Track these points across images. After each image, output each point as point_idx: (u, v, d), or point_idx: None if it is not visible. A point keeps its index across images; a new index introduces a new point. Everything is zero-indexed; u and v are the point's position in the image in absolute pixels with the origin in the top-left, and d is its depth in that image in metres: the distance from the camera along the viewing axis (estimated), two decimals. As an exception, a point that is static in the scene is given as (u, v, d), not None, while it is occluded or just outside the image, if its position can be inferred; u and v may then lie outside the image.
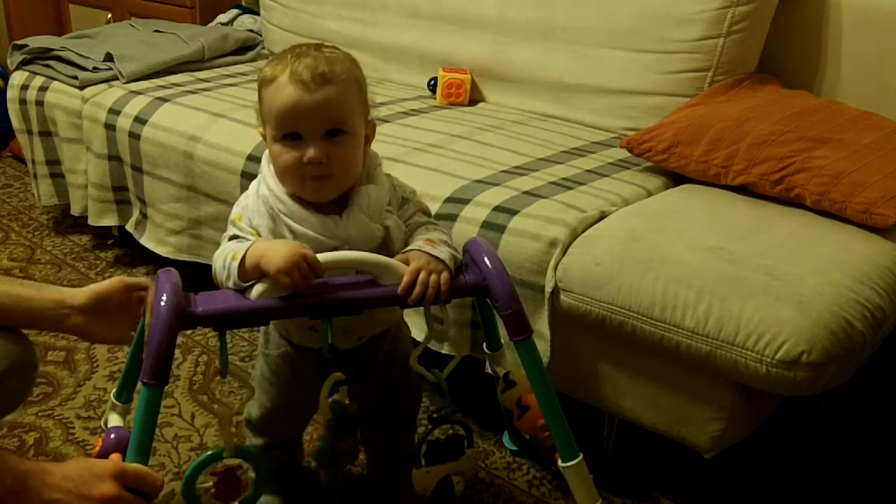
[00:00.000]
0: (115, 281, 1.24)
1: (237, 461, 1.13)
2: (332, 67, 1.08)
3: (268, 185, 1.14)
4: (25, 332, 1.25)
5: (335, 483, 1.48)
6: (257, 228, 1.13)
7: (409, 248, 1.13)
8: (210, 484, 1.11)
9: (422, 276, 1.09)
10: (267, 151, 1.16)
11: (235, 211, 1.16)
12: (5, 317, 1.19)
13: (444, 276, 1.10)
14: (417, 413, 1.41)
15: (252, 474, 1.14)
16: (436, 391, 1.21)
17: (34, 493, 0.99)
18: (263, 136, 1.16)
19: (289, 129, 1.09)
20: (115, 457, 1.15)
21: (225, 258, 1.09)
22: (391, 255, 1.14)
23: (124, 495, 1.02)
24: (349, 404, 1.18)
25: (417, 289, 1.08)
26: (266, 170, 1.15)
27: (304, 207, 1.12)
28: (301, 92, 1.07)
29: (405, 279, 1.09)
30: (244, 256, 1.06)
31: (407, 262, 1.10)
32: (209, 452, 1.09)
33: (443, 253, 1.12)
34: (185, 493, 1.08)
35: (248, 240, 1.11)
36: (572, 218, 1.45)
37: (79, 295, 1.21)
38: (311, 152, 1.08)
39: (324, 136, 1.09)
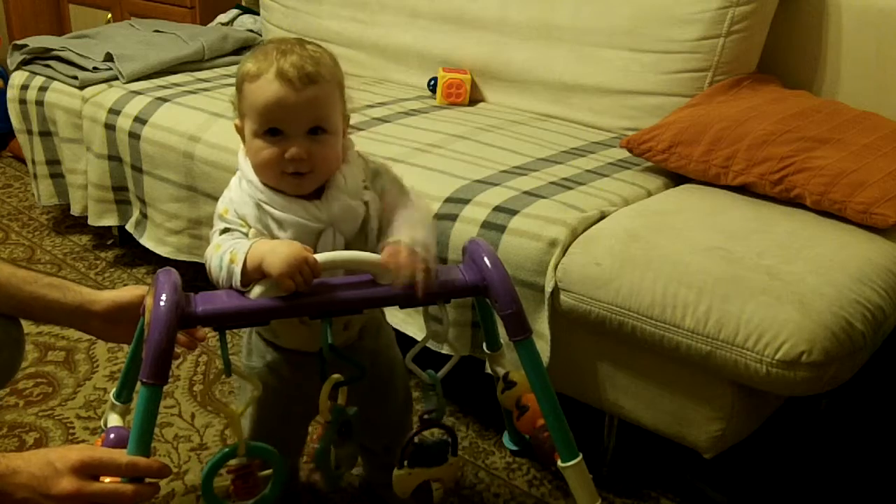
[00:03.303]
0: (135, 292, 1.29)
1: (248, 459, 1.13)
2: (318, 68, 1.09)
3: (247, 178, 1.14)
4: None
5: (336, 486, 1.48)
6: (244, 218, 1.13)
7: (391, 239, 1.11)
8: (228, 482, 1.11)
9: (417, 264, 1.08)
10: (242, 148, 1.16)
11: (221, 206, 1.16)
12: (29, 315, 1.29)
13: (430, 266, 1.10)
14: (410, 414, 1.41)
15: (267, 471, 1.14)
16: (430, 392, 1.20)
17: (7, 497, 0.99)
18: (238, 128, 1.15)
19: (271, 124, 1.09)
20: None
21: (221, 258, 1.08)
22: (373, 231, 1.14)
23: (83, 489, 1.00)
24: (349, 408, 1.17)
25: (418, 279, 1.07)
26: (244, 164, 1.15)
27: (283, 196, 1.12)
28: (287, 90, 1.07)
29: (387, 261, 1.07)
30: (245, 260, 1.06)
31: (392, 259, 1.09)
32: (224, 450, 1.09)
33: (420, 247, 1.10)
34: (204, 492, 1.08)
35: (239, 231, 1.11)
36: (572, 218, 1.45)
37: (97, 303, 1.27)
38: (293, 150, 1.08)
39: (306, 133, 1.09)
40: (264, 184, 1.12)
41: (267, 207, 1.12)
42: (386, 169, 1.22)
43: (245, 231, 1.12)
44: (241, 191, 1.14)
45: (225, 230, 1.13)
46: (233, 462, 1.11)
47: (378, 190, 1.19)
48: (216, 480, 1.09)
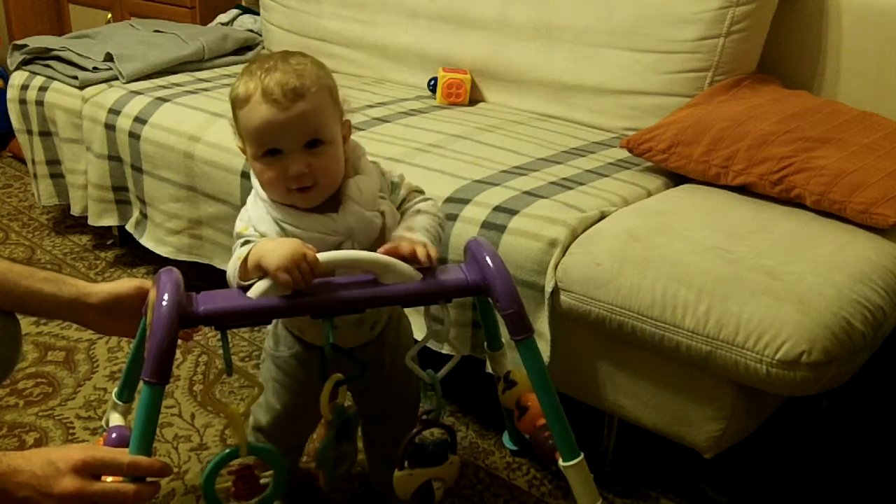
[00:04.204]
0: (130, 284, 1.29)
1: (252, 459, 1.13)
2: (303, 81, 1.08)
3: (261, 196, 1.15)
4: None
5: (335, 485, 1.48)
6: (265, 235, 1.13)
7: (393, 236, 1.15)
8: (229, 483, 1.11)
9: (418, 249, 1.11)
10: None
11: (239, 225, 1.16)
12: (25, 310, 1.29)
13: (429, 246, 1.12)
14: (417, 409, 1.42)
15: (269, 472, 1.14)
16: (430, 392, 1.20)
17: (8, 494, 0.99)
18: (242, 150, 1.16)
19: (268, 146, 1.10)
20: None
21: (234, 262, 1.10)
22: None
23: (85, 489, 1.01)
24: (349, 406, 1.18)
25: (419, 249, 1.09)
26: (256, 183, 1.16)
27: (299, 212, 1.13)
28: (275, 110, 1.07)
29: (405, 248, 1.10)
30: (247, 255, 1.07)
31: (396, 250, 1.11)
32: (225, 451, 1.09)
33: (421, 236, 1.15)
34: (206, 493, 1.08)
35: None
36: (572, 218, 1.45)
37: (94, 295, 1.27)
38: (293, 168, 1.09)
39: (303, 148, 1.10)
40: (275, 201, 1.13)
41: (284, 225, 1.13)
42: (404, 179, 1.24)
43: (258, 240, 1.12)
44: (258, 208, 1.15)
45: (245, 242, 1.13)
46: (234, 463, 1.11)
47: (397, 202, 1.21)
48: (217, 481, 1.09)
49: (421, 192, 1.26)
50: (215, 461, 1.08)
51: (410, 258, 1.10)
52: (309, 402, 1.28)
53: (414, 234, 1.15)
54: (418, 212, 1.19)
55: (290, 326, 1.27)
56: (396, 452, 1.38)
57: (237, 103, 1.11)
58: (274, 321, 1.29)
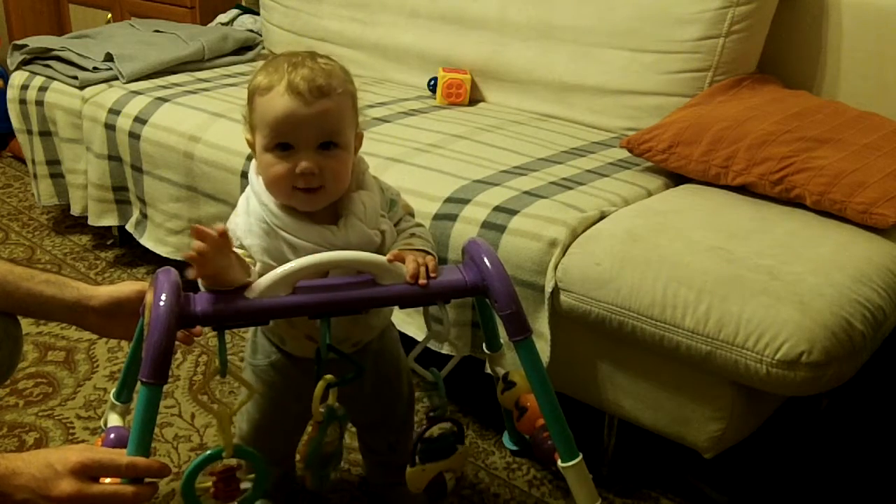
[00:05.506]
0: (132, 288, 1.29)
1: (236, 461, 1.13)
2: (330, 81, 1.07)
3: (260, 199, 1.11)
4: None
5: (328, 485, 1.48)
6: (249, 249, 1.11)
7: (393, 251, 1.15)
8: (209, 484, 1.11)
9: (419, 260, 1.11)
10: (254, 165, 1.14)
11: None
12: (26, 312, 1.29)
13: (429, 258, 1.12)
14: (413, 413, 1.41)
15: (252, 475, 1.14)
16: (433, 391, 1.21)
17: (7, 497, 0.99)
18: (250, 143, 1.14)
19: (281, 139, 1.07)
20: None
21: None
22: None
23: (83, 491, 1.00)
24: (338, 407, 1.17)
25: (421, 270, 1.10)
26: (256, 184, 1.13)
27: (299, 219, 1.10)
28: (298, 103, 1.05)
29: (410, 266, 1.09)
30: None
31: (399, 260, 1.12)
32: (208, 452, 1.08)
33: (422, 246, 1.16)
34: (185, 492, 1.07)
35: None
36: (572, 218, 1.45)
37: (94, 299, 1.28)
38: (303, 164, 1.06)
39: (316, 147, 1.08)
40: (279, 206, 1.10)
41: (281, 232, 1.09)
42: (400, 197, 1.23)
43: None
44: (249, 216, 1.12)
45: None
46: (218, 464, 1.10)
47: (394, 220, 1.20)
48: (198, 480, 1.08)
49: (412, 214, 1.24)
50: (198, 461, 1.07)
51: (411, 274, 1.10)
52: (288, 410, 1.28)
53: (414, 247, 1.15)
54: (412, 235, 1.19)
55: (271, 335, 1.25)
56: (392, 457, 1.38)
57: (257, 91, 1.08)
58: (252, 330, 1.28)
